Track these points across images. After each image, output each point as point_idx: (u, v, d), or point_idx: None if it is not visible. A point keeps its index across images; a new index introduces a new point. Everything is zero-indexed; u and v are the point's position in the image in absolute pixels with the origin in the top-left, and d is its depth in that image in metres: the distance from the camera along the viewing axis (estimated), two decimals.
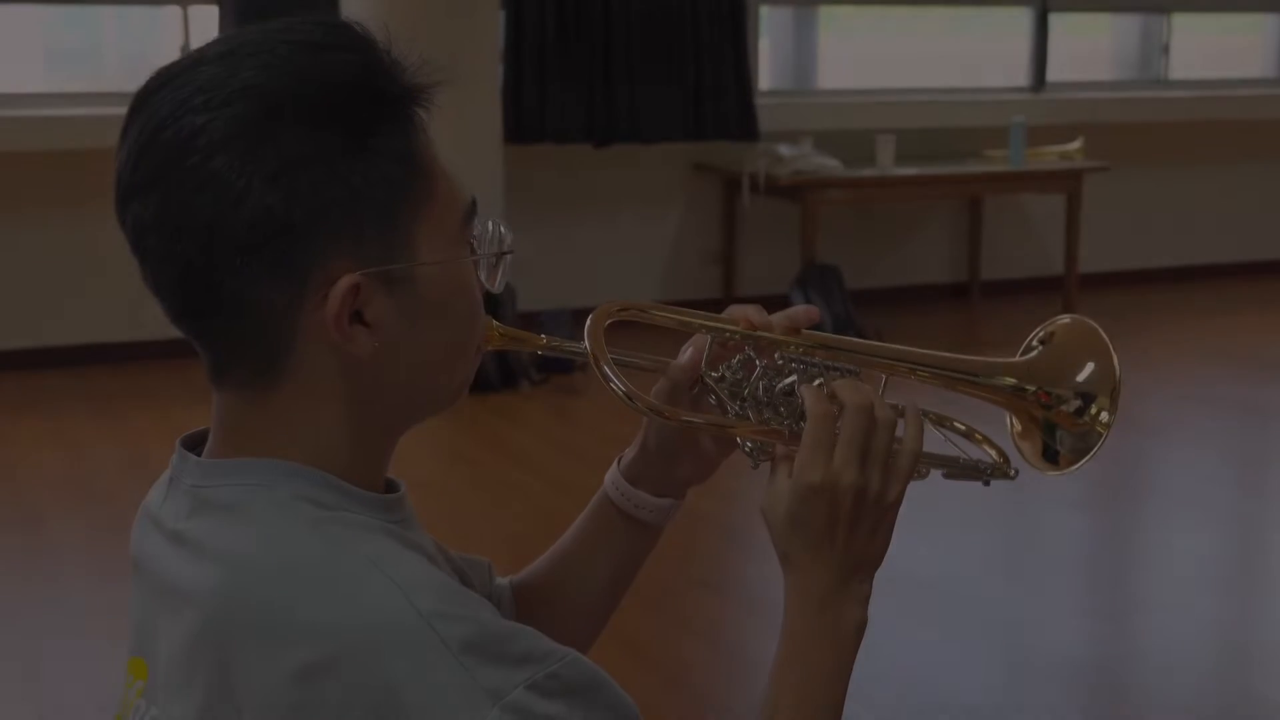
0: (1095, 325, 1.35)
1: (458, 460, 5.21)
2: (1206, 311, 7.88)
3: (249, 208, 1.06)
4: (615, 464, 1.42)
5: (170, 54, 6.63)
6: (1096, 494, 4.85)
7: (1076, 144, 7.66)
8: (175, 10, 6.63)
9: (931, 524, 4.18)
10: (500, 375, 5.99)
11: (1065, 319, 1.37)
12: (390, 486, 1.20)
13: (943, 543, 4.33)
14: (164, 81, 1.11)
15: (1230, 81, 8.88)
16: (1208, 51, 9.28)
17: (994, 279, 8.12)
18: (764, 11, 7.69)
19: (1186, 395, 6.11)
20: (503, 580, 1.46)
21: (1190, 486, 5.14)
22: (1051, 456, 1.34)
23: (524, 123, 6.84)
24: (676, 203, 7.51)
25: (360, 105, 1.10)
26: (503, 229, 1.22)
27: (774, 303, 5.90)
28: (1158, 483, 5.20)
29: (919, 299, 7.94)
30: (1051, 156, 7.66)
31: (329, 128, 1.08)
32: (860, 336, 7.09)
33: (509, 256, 1.23)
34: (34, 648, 3.76)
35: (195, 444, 1.20)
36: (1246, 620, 4.14)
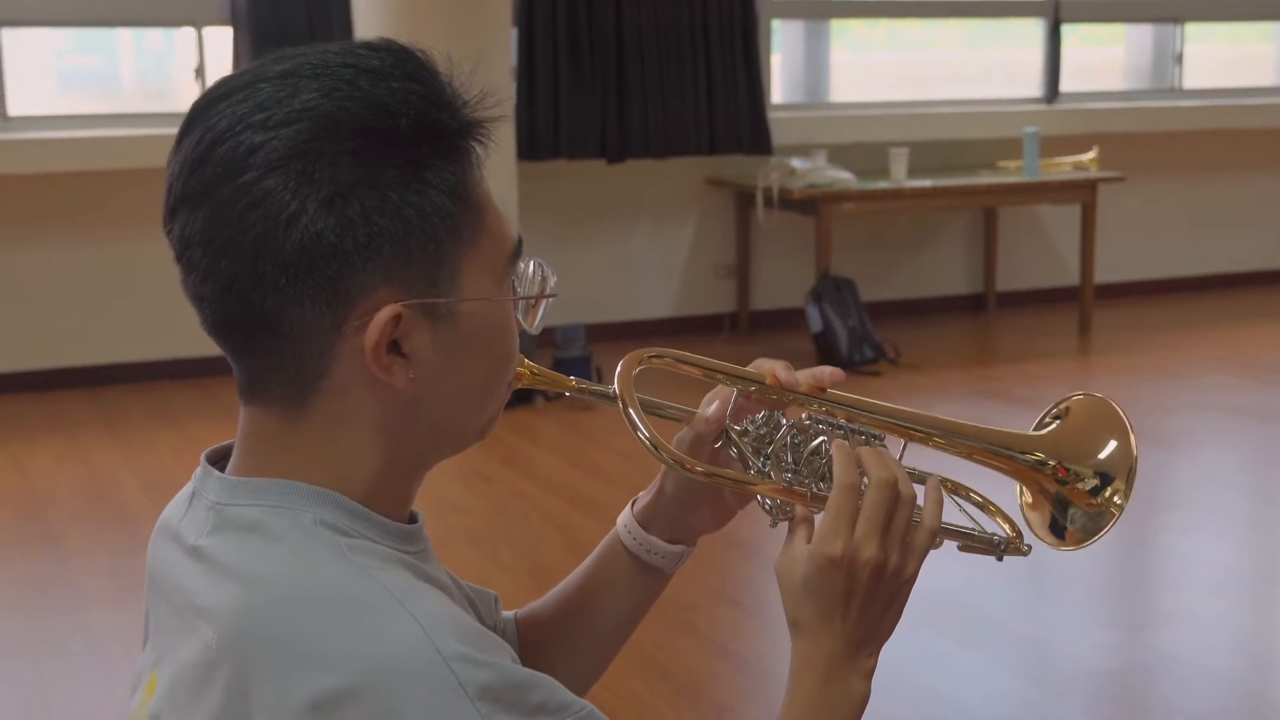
0: (1114, 404, 1.36)
1: (473, 475, 5.22)
2: (1223, 321, 7.86)
3: (299, 230, 1.06)
4: (629, 507, 1.42)
5: (185, 76, 6.67)
6: None
7: (1091, 154, 7.65)
8: (190, 32, 6.66)
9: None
10: (515, 391, 5.99)
11: (1081, 395, 1.37)
12: (411, 518, 1.20)
13: (960, 554, 4.32)
14: (223, 95, 1.11)
15: (1244, 90, 8.87)
16: (1221, 61, 9.27)
17: (1009, 290, 8.12)
18: (776, 25, 7.70)
19: (1203, 404, 6.10)
20: (508, 614, 1.45)
21: (1209, 495, 5.12)
22: (1059, 531, 1.35)
23: (537, 140, 6.85)
24: (690, 217, 7.52)
25: (418, 137, 1.09)
26: (545, 270, 1.22)
27: (790, 316, 5.89)
28: (1176, 492, 5.19)
29: (934, 311, 7.94)
30: (1066, 167, 7.65)
31: (385, 157, 1.08)
32: (877, 350, 7.08)
33: (550, 300, 1.23)
34: (53, 667, 3.77)
35: (219, 459, 1.20)
36: (1267, 630, 4.13)
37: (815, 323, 6.73)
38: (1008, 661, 3.83)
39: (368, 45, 1.13)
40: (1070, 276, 7.93)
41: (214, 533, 1.13)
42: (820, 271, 6.93)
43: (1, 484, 5.19)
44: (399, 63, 1.12)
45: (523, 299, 1.20)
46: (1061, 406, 1.37)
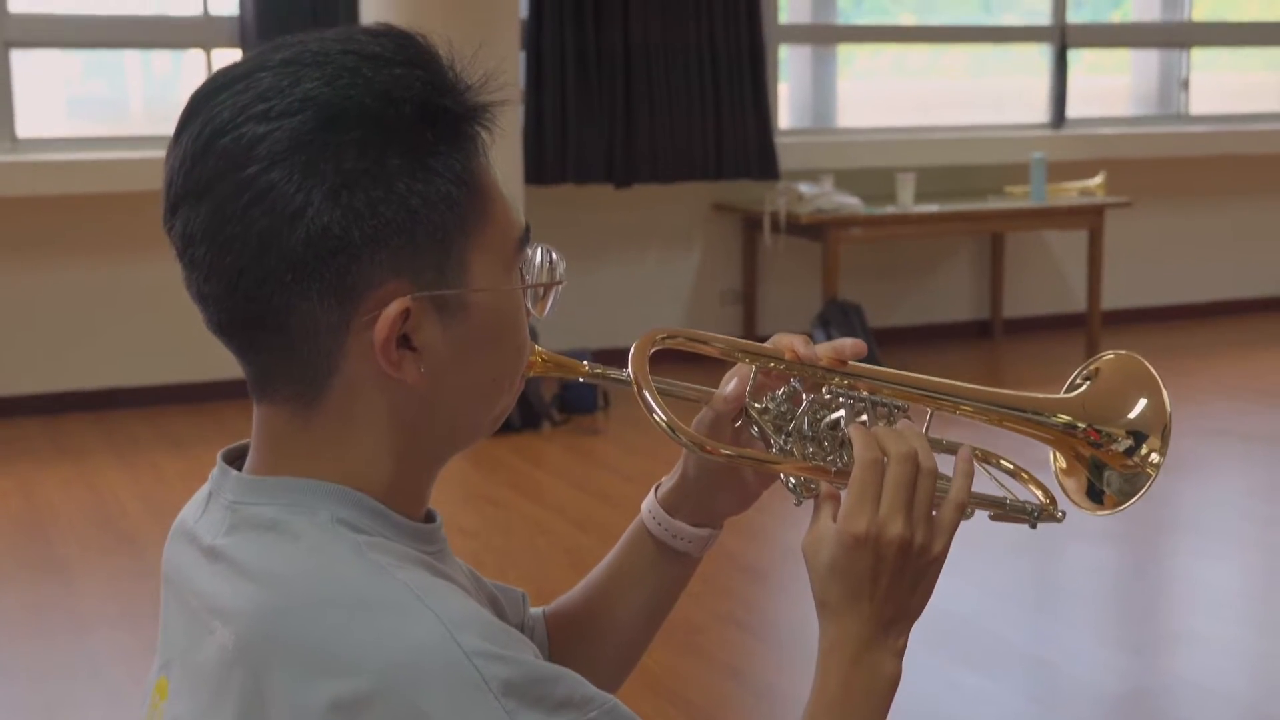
0: (1144, 361, 1.32)
1: (480, 501, 5.21)
2: (1231, 346, 7.84)
3: (305, 223, 1.04)
4: (653, 492, 1.39)
5: None
6: (1124, 527, 4.82)
7: (1098, 179, 7.65)
8: (198, 55, 6.67)
9: (960, 557, 4.15)
10: (522, 416, 5.99)
11: (1110, 354, 1.34)
12: (428, 517, 1.18)
13: (971, 575, 4.31)
14: (223, 85, 1.09)
15: (1250, 116, 8.87)
16: (1227, 87, 9.28)
17: (1017, 316, 8.10)
18: (783, 51, 7.71)
19: (1212, 430, 6.08)
20: (536, 610, 1.43)
21: (1218, 519, 5.11)
22: (1096, 496, 1.31)
23: (545, 164, 6.86)
24: (697, 242, 7.52)
25: (423, 123, 1.07)
26: (554, 256, 1.20)
27: None
28: (1185, 516, 5.17)
29: (942, 337, 7.92)
30: (1073, 192, 7.65)
31: (390, 145, 1.06)
32: None
33: (560, 286, 1.21)
34: (58, 692, 3.76)
35: (236, 457, 1.18)
36: (1277, 653, 4.10)
37: None
38: (1017, 684, 3.81)
39: (367, 31, 1.11)
40: (1077, 302, 7.92)
41: (231, 532, 1.12)
42: (827, 297, 6.93)
43: (8, 508, 5.18)
44: (400, 48, 1.10)
45: (532, 286, 1.18)
46: (1091, 368, 1.33)
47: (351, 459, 1.11)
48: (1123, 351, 1.34)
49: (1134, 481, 1.30)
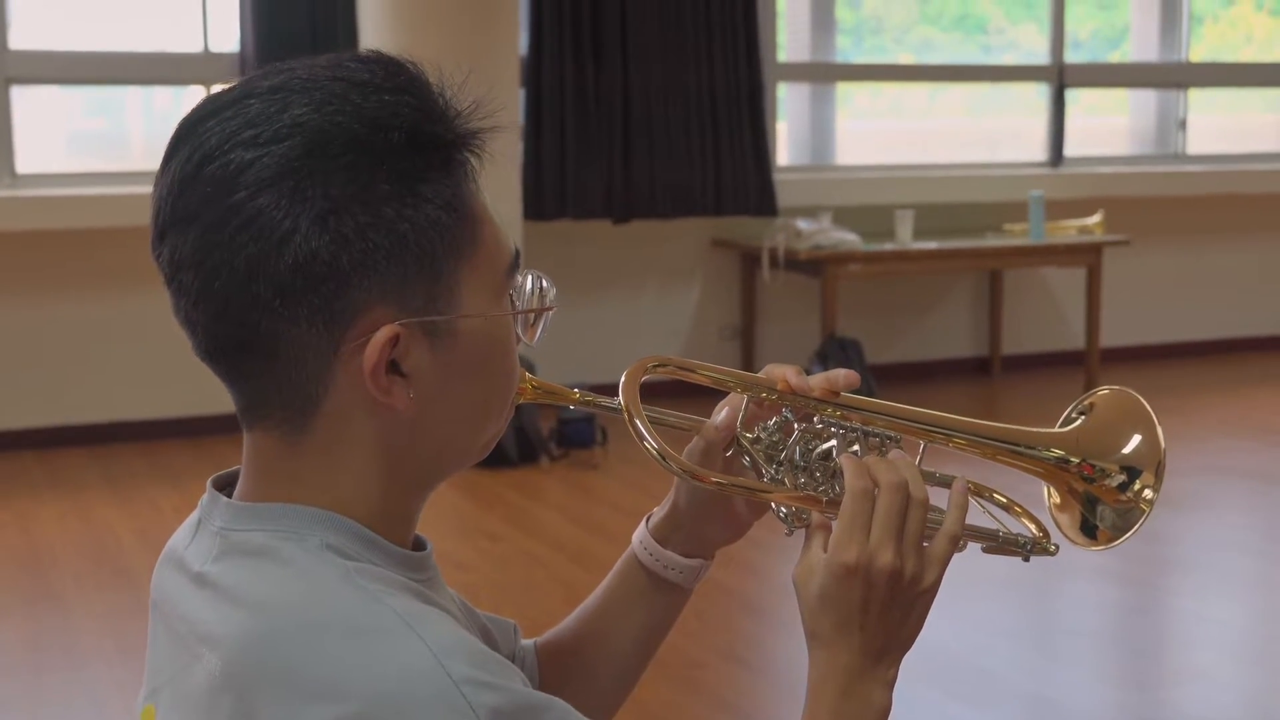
0: (1138, 396, 1.32)
1: (478, 535, 5.19)
2: (1230, 385, 7.84)
3: (293, 249, 1.04)
4: (644, 523, 1.39)
5: None
6: (1123, 564, 4.81)
7: (1096, 218, 7.66)
8: (199, 90, 6.69)
9: (958, 594, 4.13)
10: (519, 451, 5.98)
11: (1105, 389, 1.33)
12: (418, 544, 1.18)
13: (970, 611, 4.29)
14: (211, 111, 1.09)
15: (1248, 156, 8.90)
16: (1225, 127, 9.31)
17: (1015, 354, 8.10)
18: (782, 89, 7.74)
19: (1211, 468, 6.07)
20: (527, 642, 1.43)
21: (1218, 557, 5.10)
22: (1090, 531, 1.30)
23: (544, 199, 6.87)
24: (696, 278, 7.53)
25: (411, 150, 1.07)
26: (544, 283, 1.20)
27: None
28: (1185, 554, 5.16)
29: (940, 374, 7.92)
30: (1071, 230, 7.66)
31: (379, 171, 1.05)
32: None
33: (550, 313, 1.21)
34: None
35: (225, 484, 1.18)
36: (1277, 690, 4.09)
37: None
38: None
39: (356, 58, 1.11)
40: (1076, 340, 7.92)
41: (219, 559, 1.11)
42: (826, 333, 6.93)
43: (4, 541, 5.16)
44: (389, 75, 1.09)
45: (522, 312, 1.17)
46: (1086, 403, 1.33)
47: (340, 485, 1.11)
48: (1117, 386, 1.34)
49: (1128, 517, 1.29)
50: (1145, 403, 1.31)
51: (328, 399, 1.09)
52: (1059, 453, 1.30)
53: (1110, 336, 7.93)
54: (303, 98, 1.07)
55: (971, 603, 4.32)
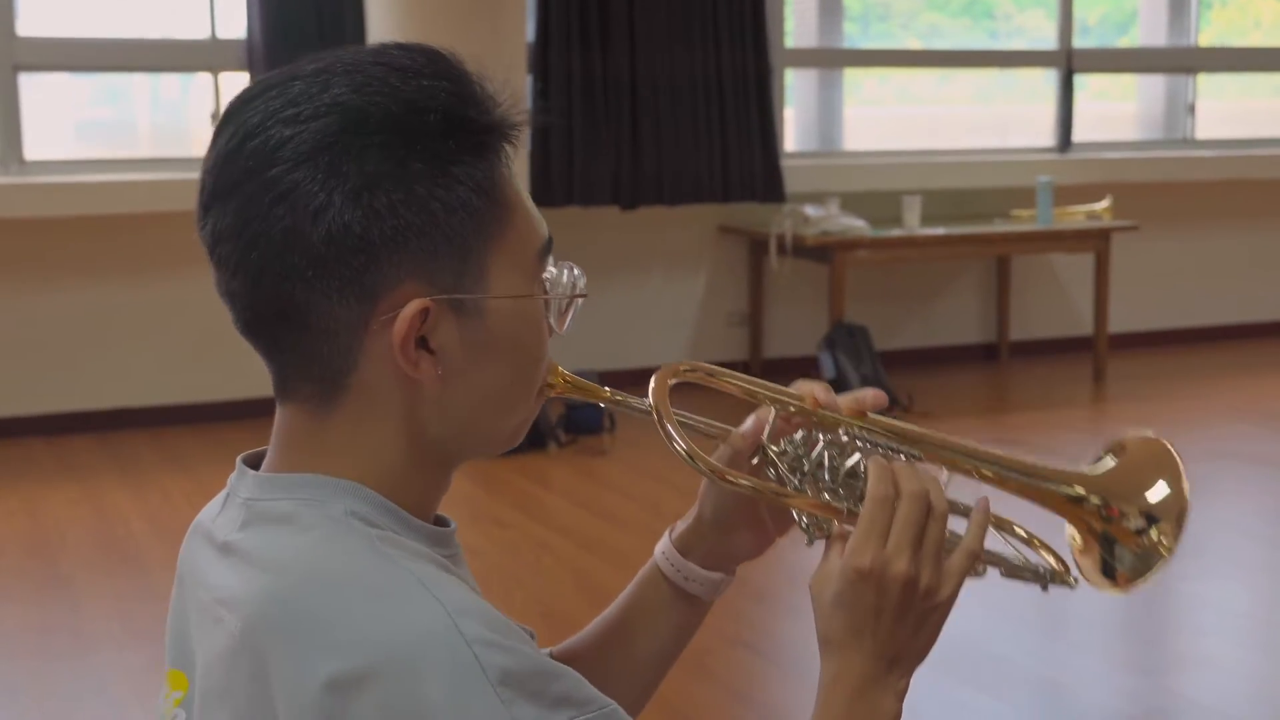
0: (1171, 447, 1.32)
1: (486, 521, 5.20)
2: (1238, 370, 7.83)
3: (327, 221, 1.07)
4: (667, 534, 1.40)
5: (201, 122, 6.70)
6: None
7: (1105, 203, 7.65)
8: (206, 78, 6.70)
9: (969, 580, 4.14)
10: (528, 436, 5.95)
11: (1137, 434, 1.33)
12: (440, 522, 1.20)
13: (980, 597, 4.29)
14: (258, 92, 1.12)
15: (1256, 141, 8.88)
16: (1233, 112, 9.29)
17: (1023, 339, 8.10)
18: (790, 75, 7.73)
19: (1220, 453, 6.07)
20: (544, 650, 1.44)
21: (1227, 543, 5.09)
22: (1109, 573, 1.30)
23: (551, 186, 6.87)
24: (703, 265, 7.53)
25: (446, 132, 1.10)
26: (575, 272, 1.22)
27: (802, 364, 5.90)
28: (1194, 539, 5.11)
29: (948, 359, 7.92)
30: (1079, 216, 7.65)
31: (413, 151, 1.08)
32: (891, 399, 7.10)
33: (580, 300, 1.22)
34: (62, 712, 3.75)
35: (255, 462, 1.20)
36: None
37: (828, 370, 6.72)
38: (1026, 707, 3.80)
39: (400, 46, 1.14)
40: (1084, 326, 7.92)
41: (244, 527, 1.14)
42: (833, 319, 6.92)
43: (13, 527, 5.18)
44: (430, 62, 1.13)
45: (552, 298, 1.19)
46: (1116, 443, 1.33)
47: (367, 457, 1.13)
48: (1150, 434, 1.33)
49: (1145, 560, 1.30)
50: (1176, 454, 1.32)
51: (357, 373, 1.11)
52: (1080, 491, 1.30)
53: (1118, 322, 7.92)
54: (344, 79, 1.10)
55: (980, 588, 4.31)
